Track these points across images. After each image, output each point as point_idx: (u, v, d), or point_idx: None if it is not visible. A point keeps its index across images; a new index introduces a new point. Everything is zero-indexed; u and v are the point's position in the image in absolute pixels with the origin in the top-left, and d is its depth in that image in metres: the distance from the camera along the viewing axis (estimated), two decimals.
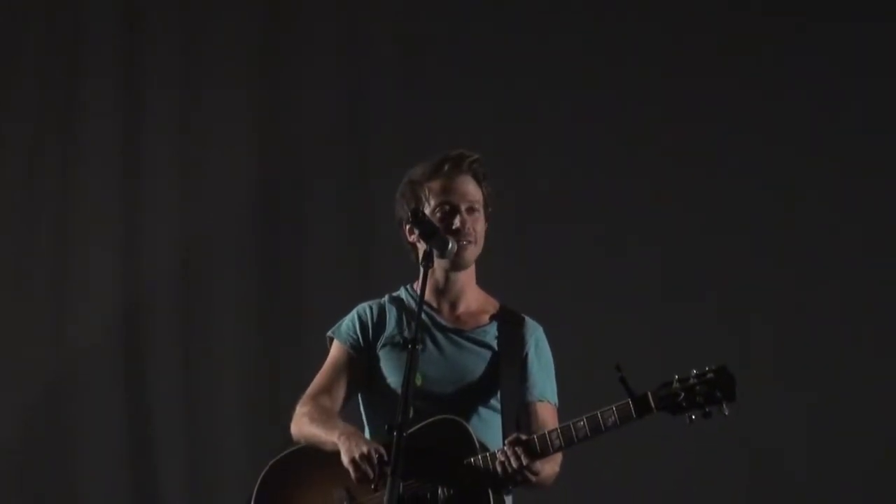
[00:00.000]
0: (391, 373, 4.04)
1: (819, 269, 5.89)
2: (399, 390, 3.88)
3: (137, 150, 6.40)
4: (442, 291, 4.08)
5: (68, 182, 6.41)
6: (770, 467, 5.83)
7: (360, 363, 4.09)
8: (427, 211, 4.00)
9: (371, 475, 3.75)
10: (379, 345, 4.09)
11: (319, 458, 3.95)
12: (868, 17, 5.95)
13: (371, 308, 4.14)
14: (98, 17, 6.45)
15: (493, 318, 4.10)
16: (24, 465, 6.24)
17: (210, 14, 6.44)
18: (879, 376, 5.79)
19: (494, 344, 4.05)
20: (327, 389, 4.07)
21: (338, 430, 3.89)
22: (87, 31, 6.46)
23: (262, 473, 3.98)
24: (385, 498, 3.53)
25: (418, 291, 4.03)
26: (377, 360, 4.08)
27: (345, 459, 3.80)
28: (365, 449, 3.78)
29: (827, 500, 5.76)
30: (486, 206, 4.08)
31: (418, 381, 3.88)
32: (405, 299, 4.15)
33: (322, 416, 3.98)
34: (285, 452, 4.01)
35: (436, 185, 4.03)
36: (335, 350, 4.13)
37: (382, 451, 3.76)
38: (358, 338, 4.10)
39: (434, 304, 4.08)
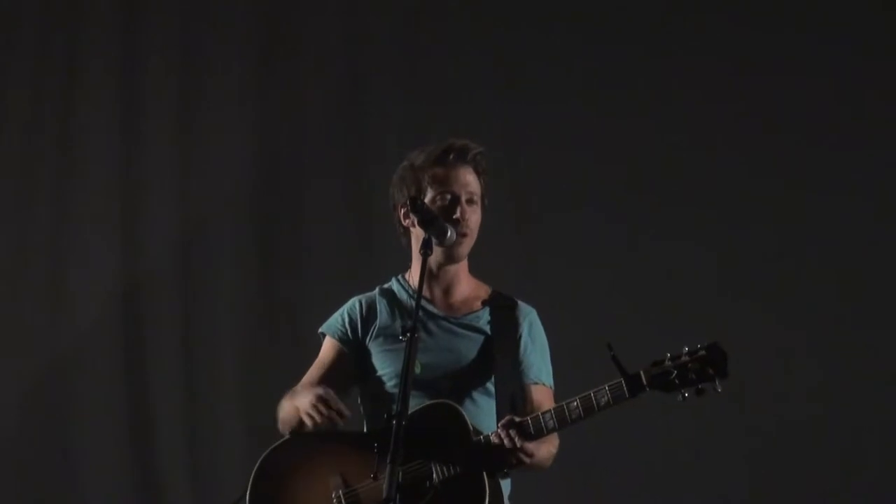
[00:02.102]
0: (386, 363, 4.06)
1: (821, 262, 5.89)
2: (395, 380, 3.95)
3: (136, 141, 6.42)
4: (435, 279, 4.09)
5: (67, 170, 6.43)
6: (770, 463, 5.83)
7: (350, 357, 4.12)
8: (427, 198, 4.02)
9: (324, 413, 3.84)
10: (370, 337, 4.11)
11: (314, 447, 3.98)
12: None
13: (361, 303, 4.16)
14: (97, 10, 6.47)
15: (485, 303, 4.11)
16: (24, 456, 6.25)
17: (210, 10, 6.46)
18: (881, 372, 5.80)
19: (487, 328, 4.06)
20: (315, 382, 4.08)
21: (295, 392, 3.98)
22: (87, 22, 6.48)
23: (257, 464, 3.99)
24: (384, 486, 3.54)
25: (411, 281, 4.12)
26: (369, 353, 4.10)
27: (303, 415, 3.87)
28: (312, 396, 3.86)
29: (828, 498, 5.78)
30: (482, 198, 4.10)
31: (417, 370, 3.90)
32: (396, 291, 4.17)
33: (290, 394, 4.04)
34: (279, 442, 4.02)
35: (438, 173, 4.04)
36: (325, 344, 4.17)
37: (325, 395, 3.85)
38: (346, 331, 4.13)
39: (427, 293, 4.08)
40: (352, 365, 4.11)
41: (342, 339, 4.13)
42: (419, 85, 6.27)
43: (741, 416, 5.64)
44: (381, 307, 4.13)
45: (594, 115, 6.06)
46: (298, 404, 3.93)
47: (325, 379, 4.08)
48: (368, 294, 4.18)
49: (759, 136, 5.97)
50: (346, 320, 4.14)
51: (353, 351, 4.11)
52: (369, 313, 4.13)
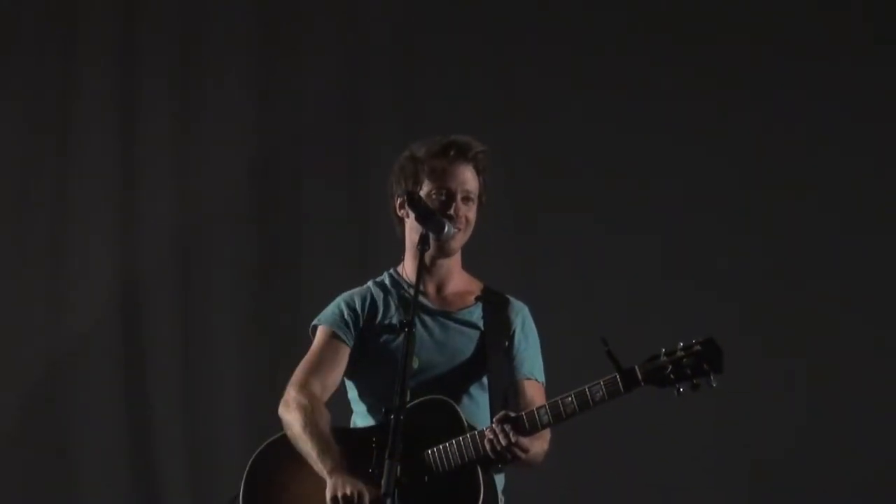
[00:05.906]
0: (381, 357, 4.04)
1: (818, 262, 5.90)
2: (389, 374, 3.89)
3: (135, 141, 6.41)
4: (428, 274, 4.08)
5: (66, 170, 6.41)
6: (769, 473, 5.83)
7: (347, 349, 4.08)
8: (423, 191, 4.01)
9: None
10: (370, 331, 4.08)
11: None
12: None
13: (355, 297, 4.14)
14: (97, 10, 6.47)
15: (477, 298, 4.11)
16: (24, 456, 6.23)
17: (210, 10, 6.46)
18: (880, 376, 5.80)
19: (480, 324, 4.07)
20: (317, 374, 4.05)
21: (329, 461, 3.86)
22: (86, 23, 6.46)
23: (251, 461, 3.99)
24: (383, 481, 3.56)
25: (404, 274, 4.12)
26: (365, 345, 4.08)
27: (328, 494, 3.80)
28: (349, 490, 3.77)
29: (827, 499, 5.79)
30: (480, 196, 4.09)
31: (414, 365, 3.90)
32: (390, 284, 4.15)
33: (317, 428, 3.93)
34: (272, 439, 4.01)
35: (437, 167, 4.03)
36: (322, 335, 4.11)
37: (364, 492, 3.75)
38: (348, 324, 4.09)
39: (421, 288, 4.04)
40: (349, 359, 4.07)
41: (343, 332, 4.07)
42: (419, 85, 6.28)
43: (734, 411, 5.66)
44: (379, 300, 4.11)
45: (592, 115, 6.07)
46: (335, 486, 3.81)
47: (324, 370, 4.03)
48: (360, 288, 4.16)
49: (756, 140, 5.99)
50: (346, 312, 4.09)
51: (350, 343, 4.07)
52: (371, 307, 4.10)
